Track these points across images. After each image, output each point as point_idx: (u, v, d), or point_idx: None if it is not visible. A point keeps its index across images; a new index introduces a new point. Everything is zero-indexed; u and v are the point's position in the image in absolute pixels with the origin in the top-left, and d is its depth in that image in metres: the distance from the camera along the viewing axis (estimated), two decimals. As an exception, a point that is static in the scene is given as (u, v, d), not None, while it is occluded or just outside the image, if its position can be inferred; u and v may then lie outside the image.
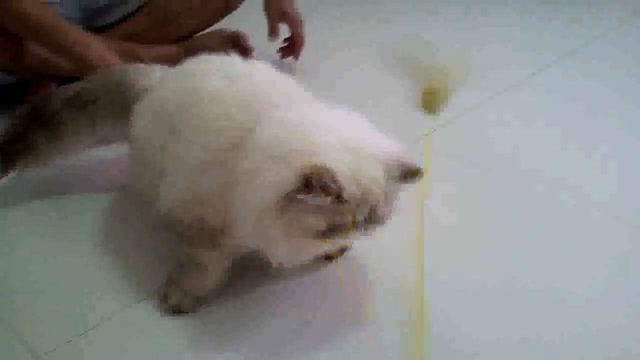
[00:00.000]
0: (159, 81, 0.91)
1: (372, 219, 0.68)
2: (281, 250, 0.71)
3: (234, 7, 1.50)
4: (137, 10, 1.40)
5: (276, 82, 0.82)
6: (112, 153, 1.07)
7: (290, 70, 1.43)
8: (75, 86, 0.98)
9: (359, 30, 1.77)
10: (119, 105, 0.94)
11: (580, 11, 1.89)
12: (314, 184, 0.62)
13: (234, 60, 0.87)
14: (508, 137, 1.26)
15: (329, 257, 0.89)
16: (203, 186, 0.74)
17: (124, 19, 1.39)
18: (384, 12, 1.87)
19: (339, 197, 0.63)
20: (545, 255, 0.95)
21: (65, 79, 1.29)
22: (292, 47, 1.52)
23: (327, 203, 0.63)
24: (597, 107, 1.40)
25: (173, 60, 1.02)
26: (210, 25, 1.49)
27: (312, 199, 0.63)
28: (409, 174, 0.69)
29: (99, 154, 1.09)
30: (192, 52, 1.00)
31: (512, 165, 1.16)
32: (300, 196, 0.63)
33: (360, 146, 0.68)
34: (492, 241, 0.96)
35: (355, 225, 0.67)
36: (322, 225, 0.66)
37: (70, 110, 0.95)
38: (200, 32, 1.49)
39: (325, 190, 0.62)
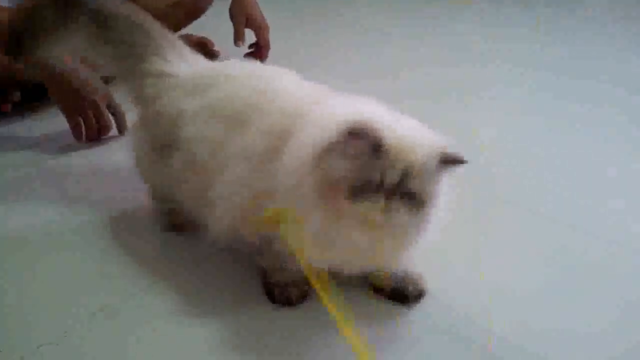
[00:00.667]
0: (201, 83, 0.87)
1: (403, 187, 0.66)
2: (315, 216, 0.68)
3: (201, 12, 1.52)
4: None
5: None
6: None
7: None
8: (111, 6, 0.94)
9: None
10: (129, 53, 0.92)
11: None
12: (354, 130, 0.64)
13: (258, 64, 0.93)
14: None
15: (400, 296, 0.81)
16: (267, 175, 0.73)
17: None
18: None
19: (375, 148, 0.65)
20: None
21: (29, 87, 1.33)
22: (258, 52, 1.55)
23: (364, 150, 0.65)
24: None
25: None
26: (178, 30, 1.51)
27: (348, 146, 0.65)
28: (450, 160, 0.68)
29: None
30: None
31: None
32: (338, 141, 0.65)
33: (404, 123, 0.69)
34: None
35: (385, 187, 0.66)
36: (353, 177, 0.66)
37: (90, 19, 0.92)
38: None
39: (363, 137, 0.64)
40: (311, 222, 0.68)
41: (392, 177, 0.65)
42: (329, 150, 0.66)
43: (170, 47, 0.94)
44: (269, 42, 1.52)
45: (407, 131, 0.68)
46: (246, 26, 1.51)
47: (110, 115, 1.22)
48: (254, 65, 0.92)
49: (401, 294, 0.80)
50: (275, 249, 0.76)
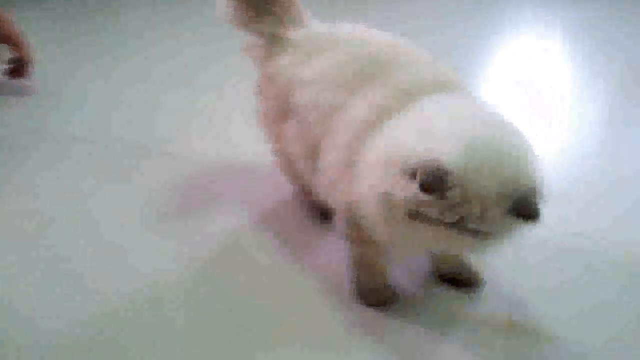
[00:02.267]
0: (316, 47, 0.85)
1: (462, 228, 0.62)
2: (382, 224, 0.67)
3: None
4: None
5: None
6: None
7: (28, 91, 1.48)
8: None
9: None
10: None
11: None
12: (419, 169, 0.60)
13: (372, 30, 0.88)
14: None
15: (457, 282, 0.83)
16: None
17: None
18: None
19: (436, 188, 0.60)
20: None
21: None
22: (20, 69, 1.48)
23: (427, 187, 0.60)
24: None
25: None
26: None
27: (412, 180, 0.61)
28: (522, 213, 0.61)
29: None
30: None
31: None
32: (403, 169, 0.62)
33: (486, 153, 0.61)
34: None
35: (441, 224, 0.62)
36: (412, 203, 0.62)
37: None
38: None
39: (426, 178, 0.59)
40: (382, 228, 0.69)
41: (449, 218, 0.61)
42: (395, 174, 0.63)
43: (286, 9, 0.91)
44: (29, 56, 1.47)
45: (483, 165, 0.60)
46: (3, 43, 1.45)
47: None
48: (369, 31, 0.87)
49: (463, 280, 0.83)
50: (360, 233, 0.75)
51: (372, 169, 0.68)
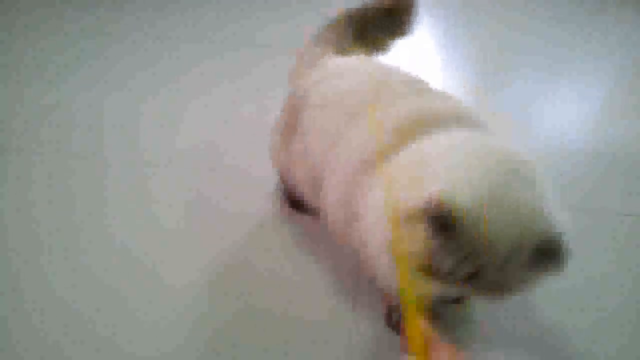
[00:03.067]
0: (332, 73, 0.84)
1: (478, 282, 0.56)
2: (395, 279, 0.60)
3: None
4: None
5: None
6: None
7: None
8: None
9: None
10: None
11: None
12: (428, 214, 0.54)
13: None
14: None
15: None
16: None
17: None
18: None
19: (448, 236, 0.54)
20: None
21: None
22: None
23: (437, 234, 0.54)
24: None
25: None
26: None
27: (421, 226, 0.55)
28: (546, 256, 0.54)
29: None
30: None
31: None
32: (410, 216, 0.56)
33: (503, 195, 0.55)
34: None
35: (455, 278, 0.56)
36: (423, 256, 0.56)
37: None
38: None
39: (435, 222, 0.54)
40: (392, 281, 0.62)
41: (464, 270, 0.55)
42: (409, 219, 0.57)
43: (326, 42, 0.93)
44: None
45: (498, 209, 0.54)
46: None
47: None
48: (383, 62, 0.86)
49: None
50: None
51: (374, 216, 0.62)
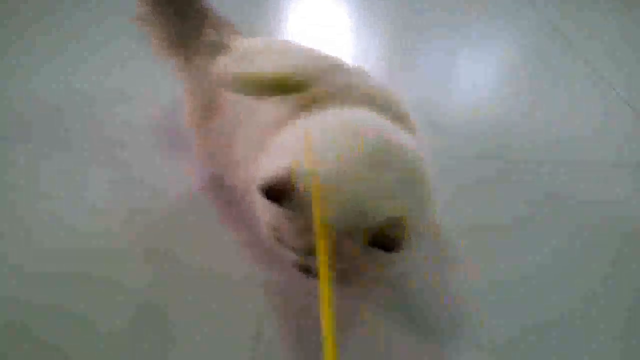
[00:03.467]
0: (250, 52, 0.85)
1: (307, 249, 0.58)
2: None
3: None
4: None
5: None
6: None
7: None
8: None
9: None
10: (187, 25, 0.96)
11: None
12: (267, 188, 0.57)
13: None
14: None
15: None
16: None
17: None
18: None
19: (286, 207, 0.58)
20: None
21: None
22: None
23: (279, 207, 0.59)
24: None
25: None
26: None
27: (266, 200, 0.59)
28: (381, 243, 0.56)
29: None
30: None
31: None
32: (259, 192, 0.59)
33: (353, 173, 0.57)
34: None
35: (298, 251, 0.61)
36: (269, 227, 0.62)
37: None
38: None
39: (275, 197, 0.57)
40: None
41: (301, 244, 0.58)
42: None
43: (223, 24, 0.96)
44: None
45: (338, 191, 0.56)
46: None
47: None
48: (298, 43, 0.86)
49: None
50: None
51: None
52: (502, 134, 1.25)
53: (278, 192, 0.56)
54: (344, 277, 0.59)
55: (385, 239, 0.55)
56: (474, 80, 1.50)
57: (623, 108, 1.38)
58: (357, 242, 0.56)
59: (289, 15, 1.80)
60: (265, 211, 0.62)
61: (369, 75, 0.77)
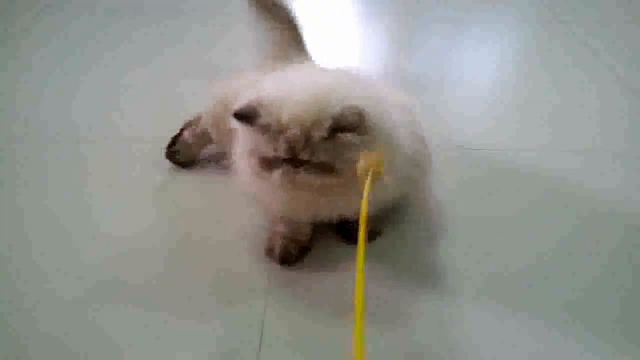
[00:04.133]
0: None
1: (293, 159, 0.71)
2: (253, 182, 0.80)
3: None
4: None
5: None
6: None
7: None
8: None
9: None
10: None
11: None
12: (238, 113, 0.71)
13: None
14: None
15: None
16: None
17: None
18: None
19: (258, 128, 0.71)
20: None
21: None
22: None
23: (250, 131, 0.72)
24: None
25: None
26: None
27: (242, 126, 0.73)
28: (342, 125, 0.69)
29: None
30: None
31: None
32: (233, 123, 0.74)
33: (307, 89, 0.72)
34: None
35: (278, 160, 0.72)
36: (256, 151, 0.73)
37: None
38: None
39: (246, 119, 0.71)
40: (254, 186, 0.81)
41: (279, 152, 0.70)
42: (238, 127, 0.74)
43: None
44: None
45: (299, 101, 0.70)
46: None
47: None
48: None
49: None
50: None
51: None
52: (498, 125, 1.26)
53: (245, 116, 0.71)
54: (329, 191, 0.74)
55: (342, 119, 0.68)
56: (472, 71, 1.51)
57: (623, 95, 1.39)
58: (321, 133, 0.69)
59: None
60: (244, 140, 0.75)
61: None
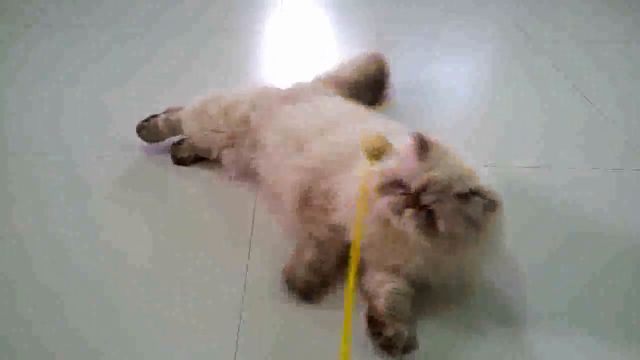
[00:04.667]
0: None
1: (417, 196, 0.75)
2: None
3: None
4: None
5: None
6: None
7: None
8: None
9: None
10: None
11: None
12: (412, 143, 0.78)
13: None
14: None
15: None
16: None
17: None
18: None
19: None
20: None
21: None
22: None
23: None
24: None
25: None
26: None
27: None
28: (481, 193, 0.74)
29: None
30: None
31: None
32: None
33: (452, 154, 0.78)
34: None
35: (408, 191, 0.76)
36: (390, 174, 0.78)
37: None
38: None
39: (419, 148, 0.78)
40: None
41: (414, 183, 0.74)
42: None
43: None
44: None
45: (448, 160, 0.76)
46: None
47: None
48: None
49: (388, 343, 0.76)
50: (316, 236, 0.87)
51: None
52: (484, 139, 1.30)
53: (424, 145, 0.77)
54: (444, 246, 0.75)
55: (481, 191, 0.72)
56: (452, 84, 1.55)
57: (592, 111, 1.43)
58: (462, 189, 0.73)
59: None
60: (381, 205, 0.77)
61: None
